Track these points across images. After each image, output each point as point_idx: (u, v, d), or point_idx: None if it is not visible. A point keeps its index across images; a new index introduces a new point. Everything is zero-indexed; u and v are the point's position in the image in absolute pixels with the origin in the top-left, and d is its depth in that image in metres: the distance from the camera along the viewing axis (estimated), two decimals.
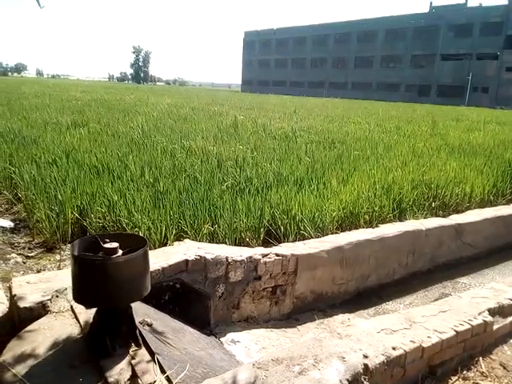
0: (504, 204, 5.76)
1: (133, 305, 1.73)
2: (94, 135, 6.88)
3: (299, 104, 23.28)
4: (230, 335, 2.51)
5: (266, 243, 3.72)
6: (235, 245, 3.51)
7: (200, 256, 2.45)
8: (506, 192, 6.14)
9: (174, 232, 3.43)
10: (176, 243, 2.76)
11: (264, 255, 2.73)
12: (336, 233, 3.89)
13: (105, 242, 1.67)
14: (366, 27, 58.47)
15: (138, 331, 1.71)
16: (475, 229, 4.08)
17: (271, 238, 3.76)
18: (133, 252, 1.63)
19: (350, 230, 3.99)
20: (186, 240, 2.81)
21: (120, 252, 1.65)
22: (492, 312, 2.19)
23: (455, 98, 47.59)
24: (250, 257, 2.66)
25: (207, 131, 8.02)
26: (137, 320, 1.75)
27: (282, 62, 72.51)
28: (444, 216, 4.66)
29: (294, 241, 3.68)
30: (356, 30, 59.84)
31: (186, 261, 2.40)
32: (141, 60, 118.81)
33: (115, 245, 1.65)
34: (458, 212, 4.99)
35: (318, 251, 2.93)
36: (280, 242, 3.65)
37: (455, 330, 1.95)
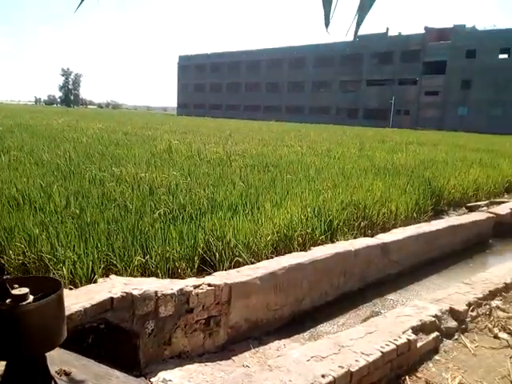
0: (426, 220, 6.17)
1: (50, 352, 1.59)
2: (15, 164, 6.44)
3: (235, 127, 23.59)
4: (162, 374, 2.39)
5: (201, 271, 3.65)
6: (169, 275, 3.41)
7: (126, 292, 2.34)
8: (427, 209, 6.59)
9: (102, 266, 3.26)
10: (101, 280, 2.62)
11: (196, 286, 2.66)
12: (271, 257, 3.92)
13: (13, 288, 1.54)
14: (297, 54, 61.12)
15: (53, 383, 1.57)
16: (400, 246, 4.30)
17: (206, 265, 3.70)
18: (46, 296, 1.51)
19: (284, 253, 4.04)
20: (112, 276, 2.67)
21: (31, 298, 1.52)
22: (415, 330, 2.30)
23: (381, 120, 50.86)
24: (182, 289, 2.59)
25: (140, 157, 7.84)
26: (53, 369, 1.61)
27: (217, 85, 73.49)
28: (372, 235, 4.88)
29: (229, 267, 3.65)
30: (287, 57, 62.32)
31: (111, 299, 2.28)
32: (70, 83, 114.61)
33: (25, 290, 1.52)
34: (385, 230, 5.26)
35: (251, 278, 2.92)
36: (215, 270, 3.60)
37: (381, 352, 2.02)
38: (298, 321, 3.34)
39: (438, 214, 6.98)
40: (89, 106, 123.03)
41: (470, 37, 47.13)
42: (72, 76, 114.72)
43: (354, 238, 4.70)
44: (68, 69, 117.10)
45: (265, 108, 66.10)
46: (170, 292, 2.53)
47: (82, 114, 36.83)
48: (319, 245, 4.31)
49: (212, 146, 10.63)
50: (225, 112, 67.02)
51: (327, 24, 0.89)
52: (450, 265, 4.94)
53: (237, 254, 3.83)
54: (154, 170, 6.46)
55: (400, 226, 5.41)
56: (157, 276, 3.31)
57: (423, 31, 50.79)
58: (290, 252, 4.03)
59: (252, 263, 3.62)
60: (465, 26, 49.13)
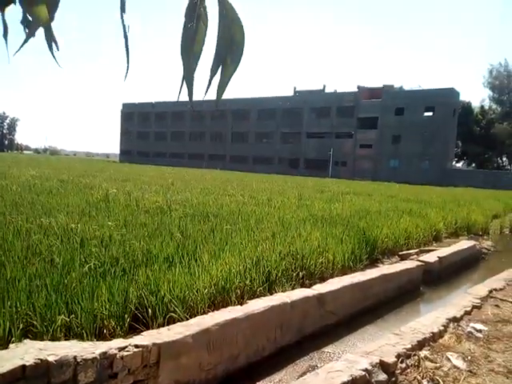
0: (361, 269, 6.34)
1: None
2: None
3: (178, 176, 23.48)
4: None
5: (133, 329, 3.44)
6: (95, 336, 3.18)
7: (41, 359, 2.14)
8: (362, 258, 6.80)
9: (20, 327, 2.98)
10: (13, 346, 2.38)
11: (121, 349, 2.50)
12: (208, 311, 3.80)
13: None
14: (240, 106, 63.24)
15: None
16: (336, 297, 4.36)
17: (139, 322, 3.51)
18: None
19: (222, 306, 3.94)
20: (26, 340, 2.44)
21: None
22: None
23: (321, 171, 53.10)
24: (105, 352, 2.41)
25: (74, 206, 7.49)
26: None
27: (161, 134, 73.62)
28: (310, 285, 4.92)
29: (163, 324, 3.49)
30: (231, 109, 64.23)
31: (23, 366, 2.06)
32: (6, 127, 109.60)
33: None
34: (323, 280, 5.33)
35: (183, 337, 2.80)
36: (148, 327, 3.42)
37: None
38: (233, 379, 3.21)
39: (372, 262, 7.21)
40: (25, 152, 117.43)
41: (398, 96, 51.56)
42: (8, 120, 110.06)
43: (293, 288, 4.71)
44: (4, 113, 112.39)
45: (209, 157, 66.83)
46: (91, 356, 2.34)
47: (15, 159, 35.01)
48: (257, 297, 4.27)
49: (152, 194, 10.45)
50: (169, 160, 66.83)
51: (190, 96, 0.86)
52: (384, 313, 5.06)
53: (171, 309, 3.69)
54: (87, 221, 6.17)
55: (337, 275, 5.51)
56: (82, 337, 3.07)
57: (356, 89, 54.88)
58: (228, 305, 3.94)
59: (187, 319, 3.49)
60: (393, 86, 53.82)
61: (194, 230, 6.21)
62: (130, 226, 6.14)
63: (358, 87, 55.00)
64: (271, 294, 4.44)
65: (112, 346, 2.50)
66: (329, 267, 5.85)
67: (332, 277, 5.42)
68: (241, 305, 3.79)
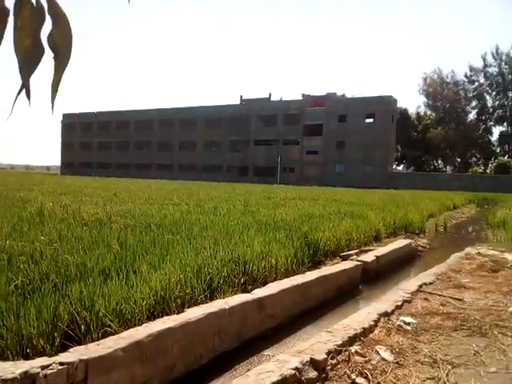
0: (305, 271, 6.47)
1: None
2: None
3: (122, 186, 22.83)
4: None
5: (64, 347, 3.29)
6: (23, 356, 3.01)
7: None
8: (305, 261, 6.95)
9: None
10: None
11: (44, 367, 2.38)
12: (146, 322, 3.72)
13: None
14: (187, 114, 62.81)
15: None
16: (275, 300, 4.42)
17: (71, 340, 3.36)
18: None
19: (161, 316, 3.88)
20: None
21: None
22: None
23: (270, 177, 53.76)
24: (26, 372, 2.29)
25: (3, 222, 7.06)
26: None
27: (105, 144, 71.30)
28: (252, 290, 4.95)
29: (97, 339, 3.37)
30: (178, 117, 63.62)
31: None
32: None
33: None
34: (266, 284, 5.39)
35: (113, 351, 2.71)
36: (81, 344, 3.29)
37: None
38: None
39: (315, 264, 7.39)
40: None
41: (341, 103, 53.52)
42: None
43: (235, 294, 4.73)
44: None
45: (157, 166, 65.62)
46: (11, 376, 2.21)
47: None
48: (199, 304, 4.24)
49: (92, 207, 10.07)
50: (114, 171, 64.76)
51: (28, 95, 0.84)
52: (324, 313, 5.20)
53: (107, 323, 3.57)
54: (17, 237, 5.84)
55: (280, 279, 5.59)
56: (7, 358, 2.90)
57: (301, 97, 56.33)
58: (167, 315, 3.88)
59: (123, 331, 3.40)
60: (336, 93, 55.80)
61: (134, 241, 6.05)
62: (65, 240, 5.88)
63: (303, 95, 56.50)
64: (212, 301, 4.42)
65: (34, 364, 2.38)
66: (272, 271, 5.93)
67: (275, 281, 5.50)
68: (179, 314, 3.74)
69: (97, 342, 2.89)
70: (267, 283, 5.36)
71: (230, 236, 7.11)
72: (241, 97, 62.05)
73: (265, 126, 58.27)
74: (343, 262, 6.97)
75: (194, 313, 3.56)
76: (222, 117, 60.63)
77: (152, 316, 3.95)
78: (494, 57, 59.18)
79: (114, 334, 3.41)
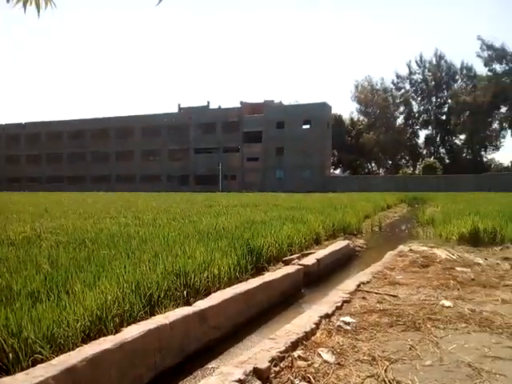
0: (248, 279, 6.45)
1: None
2: None
3: (55, 201, 21.59)
4: None
5: None
6: None
7: None
8: (248, 268, 6.94)
9: None
10: None
11: None
12: (81, 345, 3.49)
13: None
14: (123, 124, 60.97)
15: None
16: (218, 311, 4.35)
17: (1, 371, 3.08)
18: None
19: (98, 337, 3.66)
20: None
21: None
22: None
23: (211, 185, 53.56)
24: None
25: None
26: None
27: (34, 157, 67.20)
28: (194, 302, 4.85)
29: (28, 367, 3.11)
30: (113, 126, 61.57)
31: None
32: None
33: None
34: (209, 295, 5.30)
35: (43, 380, 2.51)
36: (9, 374, 3.02)
37: None
38: None
39: (259, 271, 7.40)
40: None
41: (279, 110, 54.71)
42: None
43: (177, 307, 4.59)
44: None
45: (92, 178, 62.92)
46: None
47: None
48: (138, 322, 4.06)
49: (20, 224, 9.39)
50: (46, 185, 61.19)
51: None
52: (269, 320, 5.20)
53: (37, 350, 3.31)
54: None
55: (224, 288, 5.53)
56: None
57: (239, 105, 56.86)
58: (104, 336, 3.68)
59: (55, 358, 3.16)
60: (273, 101, 56.94)
61: (66, 259, 5.71)
62: None
63: (241, 103, 57.09)
64: (153, 316, 4.26)
65: None
66: (215, 281, 5.85)
67: (218, 290, 5.42)
68: (116, 334, 3.56)
69: (25, 372, 2.67)
70: (210, 294, 5.27)
71: (171, 247, 6.94)
72: (179, 105, 61.44)
73: (204, 134, 58.07)
74: (286, 266, 7.05)
75: (132, 331, 3.40)
76: (160, 125, 59.61)
77: (88, 338, 3.73)
78: (418, 64, 63.64)
79: (45, 361, 3.17)
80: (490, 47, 53.55)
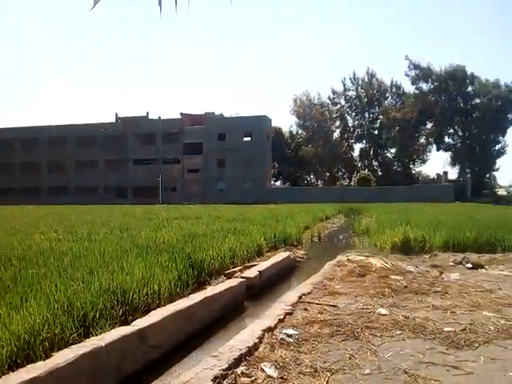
0: (190, 294, 6.30)
1: None
2: None
3: None
4: None
5: None
6: None
7: None
8: (190, 283, 6.79)
9: None
10: None
11: None
12: (8, 373, 3.19)
13: None
14: (55, 133, 57.94)
15: None
16: (158, 329, 4.19)
17: None
18: None
19: (26, 364, 3.37)
20: None
21: None
22: None
23: (151, 197, 52.19)
24: None
25: None
26: None
27: None
28: (132, 320, 4.63)
29: None
30: (46, 136, 58.28)
31: None
32: None
33: None
34: (149, 312, 5.09)
35: None
36: None
37: None
38: None
39: (201, 285, 7.27)
40: None
41: (220, 122, 54.86)
42: None
43: (113, 327, 4.36)
44: None
45: (21, 191, 58.81)
46: None
47: None
48: (71, 345, 3.80)
49: None
50: None
51: None
52: (212, 335, 5.10)
53: None
54: None
55: (165, 305, 5.35)
56: None
57: (180, 116, 56.33)
58: (33, 361, 3.40)
59: None
60: (214, 112, 57.03)
61: None
62: None
63: (181, 114, 56.57)
64: (88, 337, 4.01)
65: None
66: (155, 298, 5.65)
67: (159, 307, 5.24)
68: (46, 359, 3.30)
69: None
70: (150, 311, 5.08)
71: (108, 264, 6.63)
72: (116, 114, 59.49)
73: (143, 145, 56.69)
74: (228, 280, 6.99)
75: (64, 356, 3.17)
76: (97, 135, 57.35)
77: (15, 365, 3.43)
78: (351, 81, 66.85)
79: None
80: (416, 67, 57.53)
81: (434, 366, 3.18)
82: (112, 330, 3.98)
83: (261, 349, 3.49)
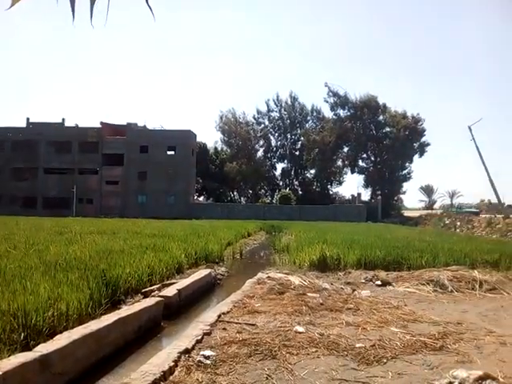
0: (102, 314, 5.91)
1: None
2: None
3: None
4: None
5: None
6: None
7: None
8: (102, 302, 6.39)
9: None
10: None
11: None
12: None
13: None
14: None
15: None
16: (65, 354, 3.86)
17: None
18: None
19: None
20: None
21: None
22: None
23: (63, 209, 48.71)
24: None
25: None
26: None
27: None
28: (35, 345, 4.22)
29: None
30: None
31: None
32: None
33: None
34: (54, 336, 4.68)
35: None
36: None
37: None
38: None
39: (115, 304, 6.88)
40: None
41: (142, 134, 53.31)
42: None
43: (13, 353, 3.93)
44: None
45: None
46: None
47: None
48: None
49: None
50: None
51: None
52: (125, 359, 4.82)
53: None
54: None
55: (74, 327, 4.96)
56: None
57: (99, 125, 53.81)
58: None
59: None
60: (137, 124, 55.35)
61: None
62: None
63: (101, 123, 54.10)
64: None
65: None
66: (62, 320, 5.23)
67: (66, 330, 4.84)
68: None
69: None
70: (56, 334, 4.67)
71: (9, 282, 6.02)
72: (27, 119, 55.19)
73: (58, 153, 53.03)
74: (145, 299, 6.70)
75: None
76: (4, 140, 52.61)
77: None
78: (275, 103, 69.05)
79: None
80: (335, 94, 61.14)
81: (346, 383, 3.29)
82: (11, 357, 3.58)
83: (176, 373, 3.36)
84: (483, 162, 37.09)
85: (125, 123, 54.33)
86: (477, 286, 7.87)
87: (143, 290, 7.72)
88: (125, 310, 5.48)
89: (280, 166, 69.88)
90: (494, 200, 39.72)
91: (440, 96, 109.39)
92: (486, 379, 3.25)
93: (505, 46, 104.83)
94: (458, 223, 36.23)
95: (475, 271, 8.74)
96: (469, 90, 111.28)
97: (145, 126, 56.11)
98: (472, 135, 37.67)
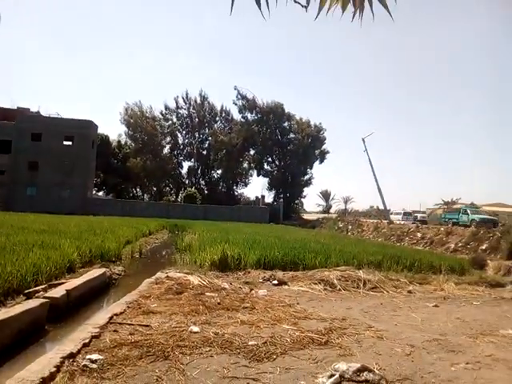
0: None
1: None
2: None
3: None
4: None
5: None
6: None
7: None
8: None
9: None
10: None
11: None
12: None
13: None
14: None
15: None
16: None
17: None
18: None
19: None
20: None
21: None
22: None
23: None
24: None
25: None
26: None
27: None
28: None
29: None
30: None
31: None
32: None
33: None
34: None
35: None
36: None
37: None
38: None
39: None
40: None
41: (35, 121, 48.77)
42: None
43: None
44: None
45: None
46: None
47: None
48: None
49: None
50: None
51: None
52: (1, 365, 4.36)
53: None
54: None
55: None
56: None
57: None
58: None
59: None
60: (29, 109, 50.50)
61: None
62: None
63: None
64: None
65: None
66: None
67: None
68: None
69: None
70: None
71: None
72: None
73: None
74: (27, 300, 6.14)
75: None
76: None
77: None
78: (184, 100, 67.99)
79: None
80: (243, 97, 62.24)
81: (236, 380, 3.37)
82: None
83: (58, 379, 3.14)
84: (373, 172, 40.69)
85: (15, 107, 49.24)
86: (361, 285, 8.60)
87: (26, 291, 7.06)
88: (3, 313, 4.96)
89: (186, 165, 69.00)
90: (382, 206, 43.68)
91: (338, 109, 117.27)
92: (364, 371, 3.57)
93: (392, 64, 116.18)
94: (350, 227, 39.24)
95: (360, 271, 9.54)
96: (364, 105, 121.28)
97: (38, 112, 51.42)
98: (365, 146, 41.07)
